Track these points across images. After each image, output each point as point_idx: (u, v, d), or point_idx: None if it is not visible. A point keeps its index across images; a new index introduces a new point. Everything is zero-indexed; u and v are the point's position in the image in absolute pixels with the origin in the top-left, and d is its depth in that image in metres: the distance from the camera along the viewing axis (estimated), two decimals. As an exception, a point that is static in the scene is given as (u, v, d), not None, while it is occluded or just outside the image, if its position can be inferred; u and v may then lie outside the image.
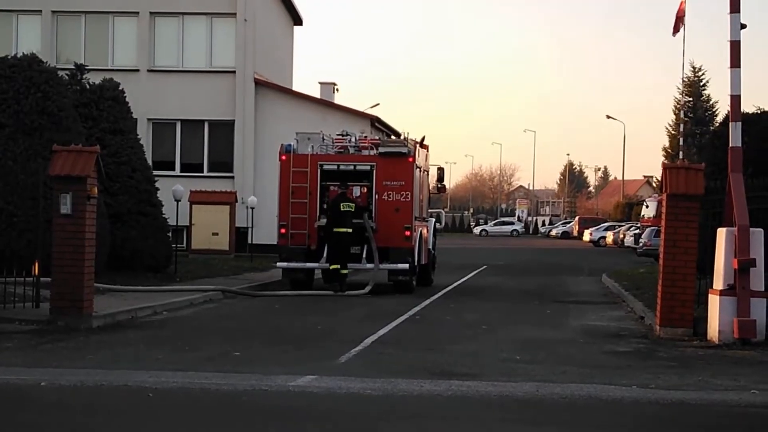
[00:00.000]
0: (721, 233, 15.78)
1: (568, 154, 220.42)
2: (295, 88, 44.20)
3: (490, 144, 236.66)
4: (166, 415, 9.86)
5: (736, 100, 16.70)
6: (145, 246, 25.07)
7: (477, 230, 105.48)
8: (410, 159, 24.23)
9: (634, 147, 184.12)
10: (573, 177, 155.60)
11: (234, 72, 38.18)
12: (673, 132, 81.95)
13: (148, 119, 37.45)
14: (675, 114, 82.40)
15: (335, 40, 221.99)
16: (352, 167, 24.29)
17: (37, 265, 17.44)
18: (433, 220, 28.87)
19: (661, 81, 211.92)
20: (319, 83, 46.51)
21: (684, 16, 52.69)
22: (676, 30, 52.77)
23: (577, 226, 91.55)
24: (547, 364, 13.22)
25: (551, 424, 9.59)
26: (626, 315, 20.26)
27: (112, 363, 12.67)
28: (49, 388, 10.90)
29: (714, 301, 15.63)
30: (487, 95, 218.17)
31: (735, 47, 16.60)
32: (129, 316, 17.83)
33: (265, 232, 33.25)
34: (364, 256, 23.81)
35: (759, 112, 22.39)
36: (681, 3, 52.70)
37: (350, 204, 23.43)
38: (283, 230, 24.14)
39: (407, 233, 23.93)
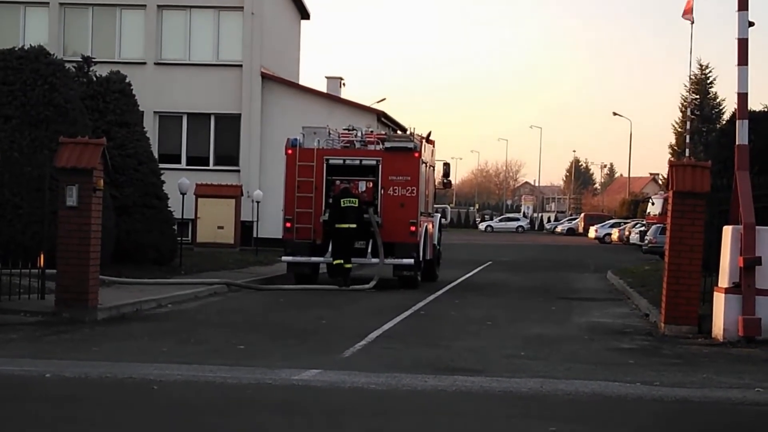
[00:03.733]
0: (727, 231, 15.76)
1: (574, 151, 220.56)
2: (302, 82, 44.28)
3: (496, 140, 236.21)
4: (171, 408, 9.86)
5: (743, 97, 16.67)
6: (150, 239, 25.10)
7: (482, 226, 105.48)
8: (416, 154, 24.21)
9: (641, 144, 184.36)
10: (579, 174, 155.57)
11: (241, 66, 38.22)
12: (679, 129, 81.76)
13: (155, 112, 37.51)
14: (682, 111, 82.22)
15: (342, 34, 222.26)
16: (357, 162, 24.29)
17: (42, 257, 17.45)
18: (439, 215, 28.86)
19: (668, 78, 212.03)
20: (326, 77, 46.48)
21: (692, 10, 52.63)
22: (686, 12, 52.65)
23: (582, 223, 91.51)
24: (551, 360, 13.22)
25: (555, 420, 9.58)
26: (631, 312, 20.25)
27: (116, 355, 12.69)
28: (53, 380, 10.91)
29: (719, 299, 15.62)
30: (494, 91, 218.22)
31: (742, 45, 16.56)
32: (134, 309, 17.84)
33: (271, 226, 33.27)
34: (369, 250, 23.81)
35: (766, 110, 22.38)
36: (688, 2, 52.64)
37: (352, 199, 23.41)
38: (288, 224, 24.14)
39: (412, 228, 23.92)
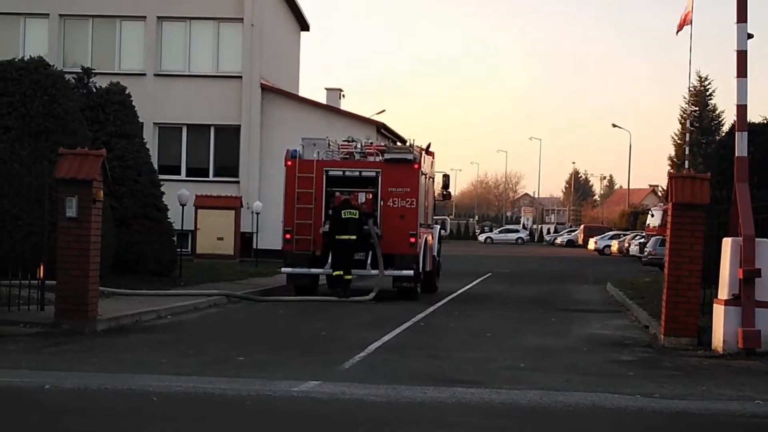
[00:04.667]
0: (727, 243, 15.76)
1: (573, 163, 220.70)
2: (302, 93, 44.29)
3: (495, 151, 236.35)
4: (170, 420, 9.85)
5: (742, 109, 16.69)
6: (150, 250, 25.08)
7: (482, 238, 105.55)
8: (416, 165, 24.22)
9: (640, 156, 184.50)
10: (578, 185, 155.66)
11: (240, 77, 38.25)
12: (679, 141, 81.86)
13: (155, 123, 37.53)
14: (681, 123, 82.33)
15: (342, 46, 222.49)
16: (357, 173, 24.30)
17: (42, 268, 17.44)
18: (438, 227, 28.87)
19: (668, 90, 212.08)
20: (326, 89, 46.51)
21: (690, 22, 52.67)
22: (679, 28, 52.70)
23: (582, 235, 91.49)
24: (551, 372, 13.20)
25: (555, 432, 9.58)
26: (630, 324, 20.23)
27: (116, 367, 12.68)
28: (52, 391, 10.90)
29: (719, 311, 15.60)
30: (494, 103, 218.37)
31: (742, 57, 16.58)
32: (133, 320, 17.83)
33: (270, 237, 33.26)
34: (368, 262, 23.80)
35: (765, 122, 22.38)
36: (687, 13, 52.69)
37: (353, 211, 23.42)
38: (287, 236, 24.14)
39: (412, 240, 23.92)
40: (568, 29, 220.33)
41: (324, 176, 24.16)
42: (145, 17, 38.51)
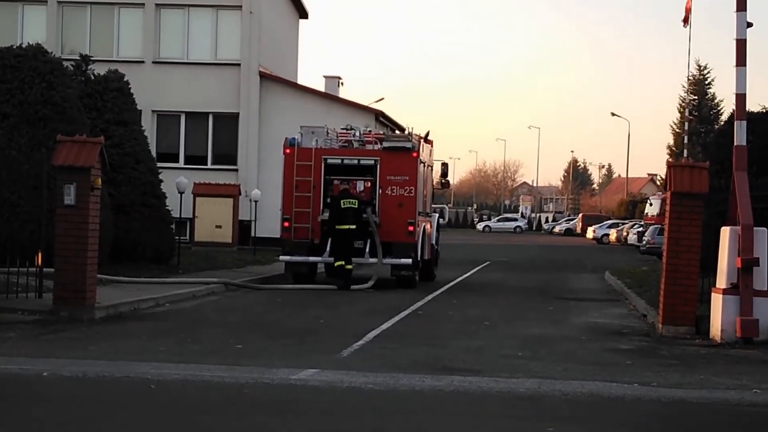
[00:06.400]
0: (725, 232, 15.76)
1: (572, 151, 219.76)
2: (300, 81, 44.29)
3: (494, 140, 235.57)
4: (168, 407, 9.85)
5: (741, 98, 16.68)
6: (148, 238, 25.07)
7: (480, 226, 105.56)
8: (414, 154, 24.20)
9: (639, 145, 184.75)
10: (577, 174, 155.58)
11: (239, 65, 38.20)
12: (677, 130, 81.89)
13: (153, 111, 37.49)
14: (680, 112, 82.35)
15: (340, 33, 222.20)
16: (356, 161, 24.28)
17: (40, 255, 17.43)
18: (437, 215, 28.85)
19: (667, 79, 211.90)
20: (324, 77, 46.50)
21: (690, 11, 52.71)
22: (685, 21, 52.83)
23: (580, 224, 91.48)
24: (549, 360, 13.21)
25: (552, 420, 9.58)
26: (629, 313, 20.25)
27: (114, 354, 12.68)
28: (51, 379, 10.90)
29: (717, 300, 15.62)
30: (492, 91, 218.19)
31: (741, 46, 16.57)
32: (131, 308, 17.83)
33: (269, 225, 33.27)
34: (367, 250, 23.78)
35: (764, 111, 22.34)
36: (687, 3, 52.68)
37: (352, 200, 23.40)
38: (286, 224, 24.13)
39: (410, 228, 23.91)
40: (567, 18, 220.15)
41: (322, 164, 24.13)
42: (143, 4, 38.45)
